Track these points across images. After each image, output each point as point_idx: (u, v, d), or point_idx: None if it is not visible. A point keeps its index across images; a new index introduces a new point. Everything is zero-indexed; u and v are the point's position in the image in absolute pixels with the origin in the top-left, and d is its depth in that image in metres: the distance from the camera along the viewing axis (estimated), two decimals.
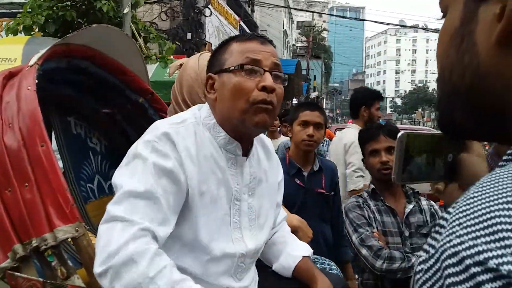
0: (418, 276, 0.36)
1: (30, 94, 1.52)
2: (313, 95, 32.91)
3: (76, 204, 1.40)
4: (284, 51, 31.21)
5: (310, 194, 2.51)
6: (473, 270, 0.30)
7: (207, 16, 13.20)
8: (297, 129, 2.53)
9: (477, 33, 0.46)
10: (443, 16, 0.53)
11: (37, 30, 7.10)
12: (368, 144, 2.24)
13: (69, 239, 1.34)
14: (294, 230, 1.88)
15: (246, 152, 1.35)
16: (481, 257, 0.30)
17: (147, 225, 1.12)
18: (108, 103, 2.26)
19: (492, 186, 0.35)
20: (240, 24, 17.59)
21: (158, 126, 1.24)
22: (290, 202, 2.26)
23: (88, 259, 1.32)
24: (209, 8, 13.14)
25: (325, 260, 1.87)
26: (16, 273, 1.35)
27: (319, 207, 2.55)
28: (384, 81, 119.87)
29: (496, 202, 0.33)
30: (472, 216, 0.33)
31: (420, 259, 0.36)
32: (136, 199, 1.13)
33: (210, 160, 1.27)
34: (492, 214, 0.32)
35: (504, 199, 0.32)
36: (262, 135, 1.48)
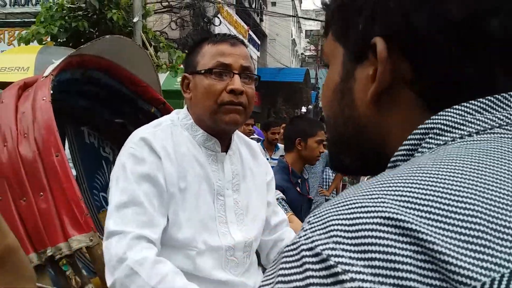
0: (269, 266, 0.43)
1: (45, 104, 1.54)
2: None
3: (89, 213, 1.41)
4: (292, 60, 31.28)
5: (304, 200, 2.83)
6: (304, 253, 0.37)
7: (217, 26, 13.29)
8: (314, 146, 2.75)
9: (355, 90, 0.52)
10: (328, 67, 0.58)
11: (49, 39, 7.19)
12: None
13: (84, 249, 1.34)
14: None
15: (225, 149, 1.40)
16: (312, 245, 0.37)
17: (138, 232, 1.17)
18: (121, 113, 2.29)
19: (342, 194, 0.42)
20: (249, 33, 17.69)
21: (137, 133, 1.31)
22: (297, 209, 2.49)
23: (102, 268, 1.32)
24: (219, 18, 13.23)
25: None
26: None
27: (308, 212, 2.79)
28: None
29: (336, 205, 0.40)
30: (317, 215, 0.40)
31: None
32: (123, 210, 1.20)
33: (189, 157, 1.31)
34: (330, 216, 0.39)
35: (342, 203, 0.39)
36: (246, 137, 1.55)
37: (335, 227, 0.37)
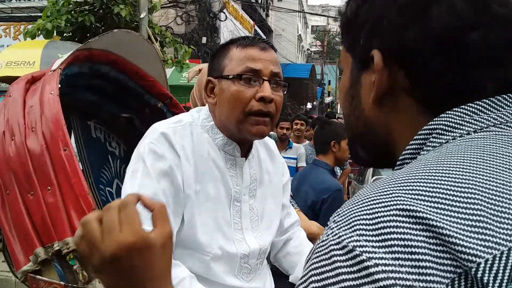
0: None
1: (53, 98, 1.53)
2: (328, 100, 32.84)
3: (97, 208, 1.40)
4: (298, 56, 31.21)
5: None
6: (331, 247, 0.43)
7: (222, 21, 13.27)
8: (346, 147, 2.92)
9: (361, 94, 0.59)
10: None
11: (55, 34, 7.19)
12: None
13: None
14: (313, 238, 1.86)
15: (245, 154, 1.36)
16: (339, 239, 0.43)
17: None
18: (128, 107, 2.28)
19: (360, 193, 0.47)
20: (254, 29, 17.64)
21: (157, 128, 1.26)
22: None
23: None
24: (224, 13, 13.21)
25: None
26: (38, 276, 1.37)
27: None
28: None
29: (356, 203, 0.45)
30: (340, 214, 0.46)
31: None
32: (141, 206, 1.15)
33: (207, 160, 1.28)
34: (352, 213, 0.44)
35: (361, 201, 0.45)
36: (267, 139, 1.47)
37: (358, 222, 0.43)
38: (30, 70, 4.49)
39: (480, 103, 0.51)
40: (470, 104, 0.51)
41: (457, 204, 0.41)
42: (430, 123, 0.52)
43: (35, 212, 1.40)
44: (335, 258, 0.42)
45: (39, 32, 7.02)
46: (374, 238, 0.41)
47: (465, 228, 0.39)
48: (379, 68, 0.54)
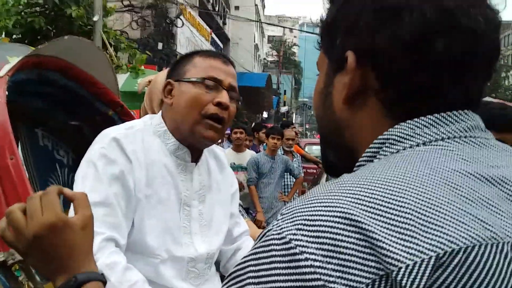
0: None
1: (0, 105, 1.51)
2: (283, 109, 33.24)
3: None
4: (255, 65, 31.45)
5: None
6: (272, 237, 0.48)
7: (179, 27, 13.21)
8: None
9: (333, 94, 0.62)
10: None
11: (3, 35, 6.94)
12: None
13: None
14: None
15: (195, 160, 1.41)
16: (280, 230, 0.47)
17: (109, 234, 1.17)
18: (77, 115, 2.25)
19: (310, 192, 0.52)
20: (211, 36, 17.67)
21: (108, 133, 1.29)
22: None
23: None
24: (181, 19, 13.16)
25: None
26: None
27: None
28: None
29: (302, 200, 0.50)
30: (287, 207, 0.50)
31: None
32: (93, 209, 1.17)
33: (158, 165, 1.31)
34: (296, 210, 0.49)
35: (307, 199, 0.50)
36: (215, 148, 1.55)
37: (300, 218, 0.47)
38: None
39: (431, 117, 0.55)
40: (422, 118, 0.55)
41: (390, 211, 0.45)
42: (385, 133, 0.57)
43: None
44: (273, 247, 0.47)
45: None
46: (310, 234, 0.45)
47: (393, 234, 0.43)
48: (351, 68, 0.57)
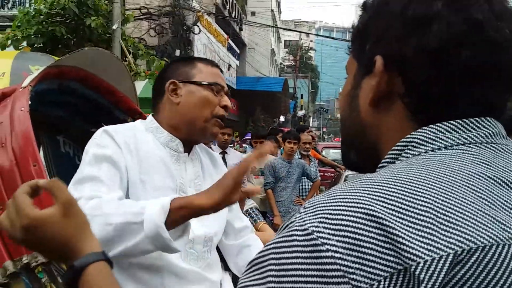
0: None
1: (23, 115, 1.57)
2: (300, 113, 33.16)
3: None
4: (271, 69, 31.49)
5: None
6: (295, 228, 0.50)
7: (196, 34, 13.33)
8: None
9: (360, 97, 0.65)
10: None
11: (25, 44, 7.11)
12: None
13: None
14: None
15: (188, 151, 1.51)
16: (302, 223, 0.50)
17: (93, 194, 1.23)
18: (97, 123, 2.31)
19: (333, 189, 0.54)
20: (228, 42, 17.77)
21: (101, 128, 1.41)
22: None
23: None
24: (198, 26, 13.28)
25: None
26: None
27: None
28: None
29: (324, 196, 0.53)
30: (310, 201, 0.53)
31: None
32: (81, 185, 1.27)
33: (152, 156, 1.41)
34: (319, 204, 0.51)
35: (329, 195, 0.52)
36: (211, 151, 1.68)
37: (322, 212, 0.50)
38: (0, 82, 4.45)
39: (454, 122, 0.57)
40: (445, 123, 0.57)
41: (411, 209, 0.47)
42: (408, 136, 0.59)
43: None
44: (295, 238, 0.49)
45: (9, 42, 6.94)
46: (331, 227, 0.48)
47: (413, 231, 0.45)
48: (379, 71, 0.60)
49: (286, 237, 0.50)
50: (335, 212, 0.49)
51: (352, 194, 0.51)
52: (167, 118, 1.48)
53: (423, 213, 0.47)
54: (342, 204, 0.49)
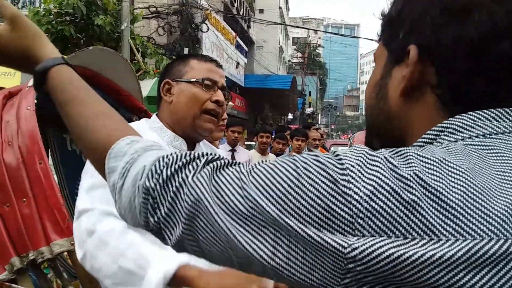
0: None
1: (30, 113, 1.60)
2: (308, 110, 33.08)
3: (71, 219, 1.47)
4: (279, 67, 31.43)
5: None
6: (330, 155, 0.51)
7: (204, 32, 13.35)
8: None
9: (389, 86, 0.64)
10: None
11: None
12: None
13: (65, 253, 1.40)
14: None
15: (191, 150, 1.50)
16: (342, 157, 0.50)
17: (106, 208, 1.25)
18: None
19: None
20: (236, 40, 17.77)
21: None
22: None
23: (82, 272, 1.38)
24: (206, 24, 13.29)
25: None
26: (13, 285, 1.41)
27: None
28: None
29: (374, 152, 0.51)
30: (356, 147, 0.52)
31: None
32: (92, 191, 1.28)
33: None
34: (362, 150, 0.51)
35: (377, 152, 0.51)
36: (216, 149, 1.69)
37: (362, 154, 0.50)
38: (11, 81, 4.51)
39: (494, 110, 0.55)
40: (485, 111, 0.55)
41: (455, 190, 0.46)
42: (444, 121, 0.57)
43: (11, 222, 1.45)
44: (328, 160, 0.49)
45: None
46: (363, 173, 0.47)
47: (466, 203, 0.45)
48: (413, 61, 0.58)
49: (320, 156, 0.50)
50: (371, 159, 0.49)
51: (401, 154, 0.51)
52: (166, 117, 1.51)
53: (464, 196, 0.46)
54: (383, 156, 0.49)
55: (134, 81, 2.31)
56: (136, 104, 2.26)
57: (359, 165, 0.48)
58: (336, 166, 0.48)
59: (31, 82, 1.76)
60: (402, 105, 0.62)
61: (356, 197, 0.46)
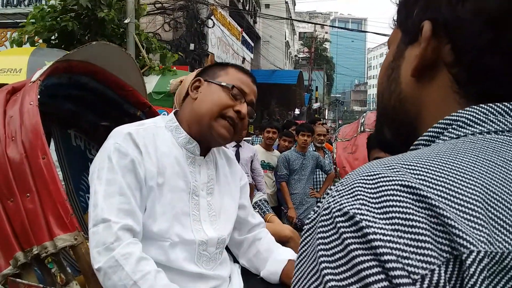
0: (304, 234, 0.49)
1: (33, 109, 1.59)
2: (315, 105, 32.99)
3: (75, 213, 1.46)
4: (286, 62, 31.36)
5: None
6: (335, 214, 0.44)
7: (210, 27, 13.34)
8: None
9: (402, 67, 0.60)
10: None
11: (41, 41, 7.19)
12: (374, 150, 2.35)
13: (68, 247, 1.40)
14: (286, 241, 1.94)
15: (204, 154, 1.52)
16: (340, 207, 0.44)
17: (125, 223, 1.27)
18: (107, 116, 2.34)
19: (363, 167, 0.49)
20: (242, 35, 17.74)
21: (121, 129, 1.41)
22: None
23: (86, 267, 1.38)
24: (212, 19, 13.28)
25: None
26: (18, 280, 1.42)
27: None
28: None
29: (360, 174, 0.46)
30: (343, 183, 0.46)
31: (307, 220, 0.49)
32: (110, 199, 1.30)
33: (169, 156, 1.42)
34: (355, 183, 0.45)
35: (365, 173, 0.46)
36: (227, 150, 1.69)
37: (360, 192, 0.44)
38: (17, 77, 4.53)
39: (508, 105, 0.51)
40: (498, 104, 0.51)
41: (461, 197, 0.42)
42: (453, 113, 0.53)
43: (15, 217, 1.46)
44: (340, 225, 0.43)
45: (26, 38, 7.02)
46: (375, 207, 0.42)
47: (463, 220, 0.40)
48: (426, 37, 0.55)
49: (328, 225, 0.44)
50: (375, 191, 0.43)
51: (391, 170, 0.45)
52: (186, 115, 1.49)
53: (473, 202, 0.42)
54: (381, 181, 0.44)
55: (137, 75, 2.31)
56: (140, 99, 2.26)
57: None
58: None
59: (33, 78, 1.76)
60: (414, 86, 0.58)
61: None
